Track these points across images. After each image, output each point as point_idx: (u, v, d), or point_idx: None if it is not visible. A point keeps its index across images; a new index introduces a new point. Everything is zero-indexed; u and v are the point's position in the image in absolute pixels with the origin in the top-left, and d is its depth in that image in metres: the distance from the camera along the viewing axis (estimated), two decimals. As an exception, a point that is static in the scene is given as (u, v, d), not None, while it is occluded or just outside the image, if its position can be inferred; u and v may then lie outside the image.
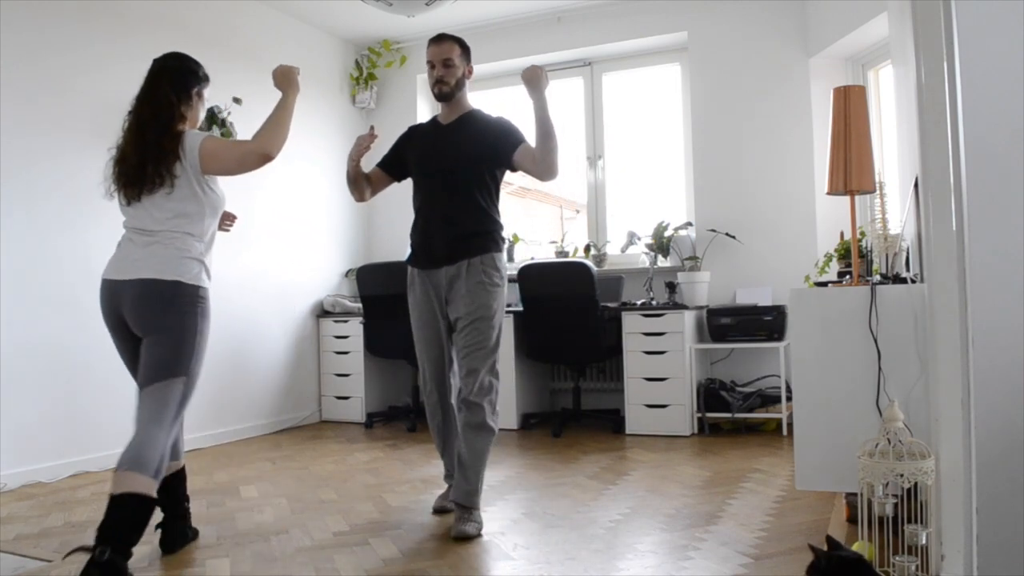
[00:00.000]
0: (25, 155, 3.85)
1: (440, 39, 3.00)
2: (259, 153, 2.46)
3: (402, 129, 3.24)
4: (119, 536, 2.15)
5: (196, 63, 2.63)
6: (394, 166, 3.14)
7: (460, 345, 2.92)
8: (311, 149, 5.65)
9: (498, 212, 3.04)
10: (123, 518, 2.18)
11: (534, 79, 2.87)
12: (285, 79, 2.62)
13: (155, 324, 2.41)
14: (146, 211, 2.46)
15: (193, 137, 2.47)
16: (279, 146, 2.49)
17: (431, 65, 2.99)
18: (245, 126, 4.51)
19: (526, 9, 5.61)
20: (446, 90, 2.98)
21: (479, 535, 2.80)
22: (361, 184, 3.08)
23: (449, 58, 2.95)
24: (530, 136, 2.95)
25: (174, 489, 2.68)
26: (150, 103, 2.50)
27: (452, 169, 2.96)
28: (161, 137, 2.44)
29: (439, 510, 3.15)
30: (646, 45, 5.57)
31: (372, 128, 3.05)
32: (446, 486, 3.21)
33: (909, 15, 2.20)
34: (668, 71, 5.65)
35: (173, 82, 2.53)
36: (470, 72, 3.05)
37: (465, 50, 3.02)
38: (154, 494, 2.27)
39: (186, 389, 2.44)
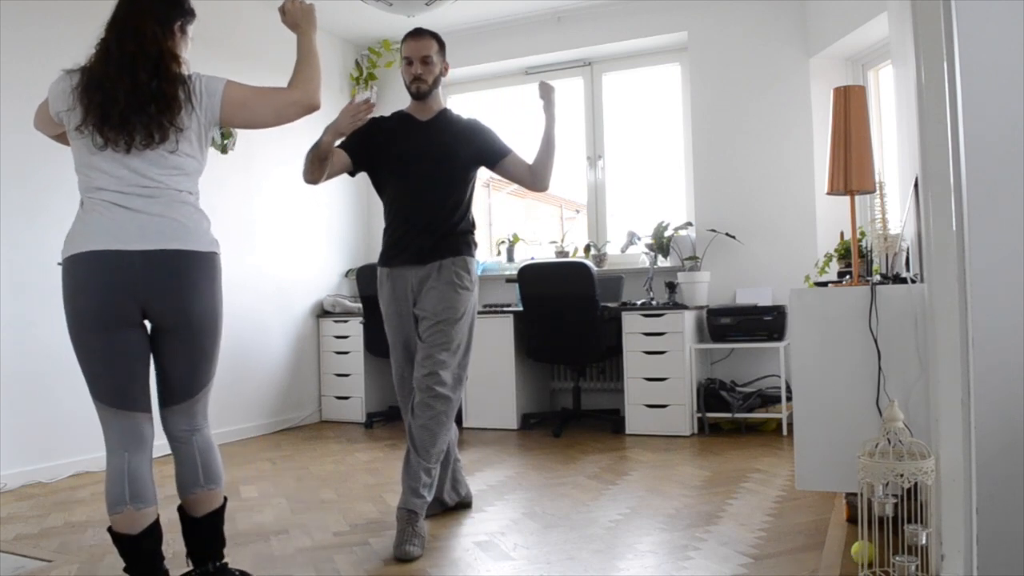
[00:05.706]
0: (25, 155, 3.85)
1: (418, 34, 2.92)
2: (304, 104, 2.09)
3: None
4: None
5: None
6: (359, 155, 2.91)
7: (423, 345, 2.84)
8: (311, 149, 5.64)
9: (472, 214, 3.02)
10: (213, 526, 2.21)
11: (551, 94, 2.97)
12: (304, 16, 2.25)
13: (196, 314, 1.98)
14: (135, 166, 1.97)
15: (212, 81, 2.05)
16: (319, 93, 2.14)
17: (408, 61, 2.92)
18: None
19: (526, 9, 5.61)
20: (424, 88, 2.91)
21: (422, 553, 2.61)
22: (326, 164, 2.79)
23: (428, 55, 2.89)
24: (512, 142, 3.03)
25: (153, 547, 2.08)
26: (133, 36, 1.98)
27: (436, 167, 2.90)
28: (158, 80, 1.97)
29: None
30: (646, 45, 5.57)
31: (369, 99, 2.66)
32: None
33: (909, 15, 2.20)
34: (668, 71, 5.65)
35: (155, 11, 2.03)
36: (446, 69, 3.00)
37: (442, 46, 2.98)
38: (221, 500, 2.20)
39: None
